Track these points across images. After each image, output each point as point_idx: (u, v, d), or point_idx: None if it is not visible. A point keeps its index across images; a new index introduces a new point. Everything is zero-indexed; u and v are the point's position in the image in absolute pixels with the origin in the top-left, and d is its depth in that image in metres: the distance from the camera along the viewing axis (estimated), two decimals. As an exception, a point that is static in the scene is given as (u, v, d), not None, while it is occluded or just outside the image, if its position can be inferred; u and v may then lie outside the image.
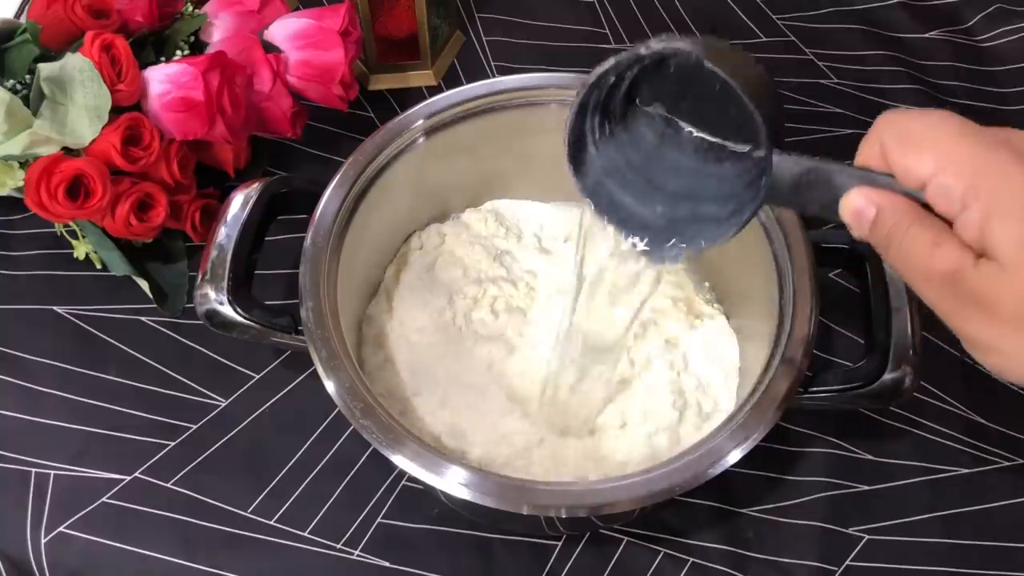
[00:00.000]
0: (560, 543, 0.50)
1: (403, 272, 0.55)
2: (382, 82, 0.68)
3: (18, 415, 0.54)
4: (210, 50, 0.56)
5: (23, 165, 0.52)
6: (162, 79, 0.53)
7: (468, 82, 0.53)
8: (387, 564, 0.49)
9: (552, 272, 0.55)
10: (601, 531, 0.50)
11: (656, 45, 0.32)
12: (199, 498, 0.51)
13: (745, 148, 0.35)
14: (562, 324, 0.47)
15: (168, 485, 0.52)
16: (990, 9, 0.73)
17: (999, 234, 0.28)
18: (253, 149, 0.61)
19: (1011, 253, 0.28)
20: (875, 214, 0.31)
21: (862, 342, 0.45)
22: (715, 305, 0.54)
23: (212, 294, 0.46)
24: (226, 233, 0.47)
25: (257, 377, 0.55)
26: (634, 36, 0.71)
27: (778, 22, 0.71)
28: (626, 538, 0.50)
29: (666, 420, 0.49)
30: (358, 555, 0.50)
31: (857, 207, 0.31)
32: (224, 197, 0.51)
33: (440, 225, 0.57)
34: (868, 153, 0.32)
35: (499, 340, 0.52)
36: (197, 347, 0.56)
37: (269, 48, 0.57)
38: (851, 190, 0.31)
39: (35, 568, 0.49)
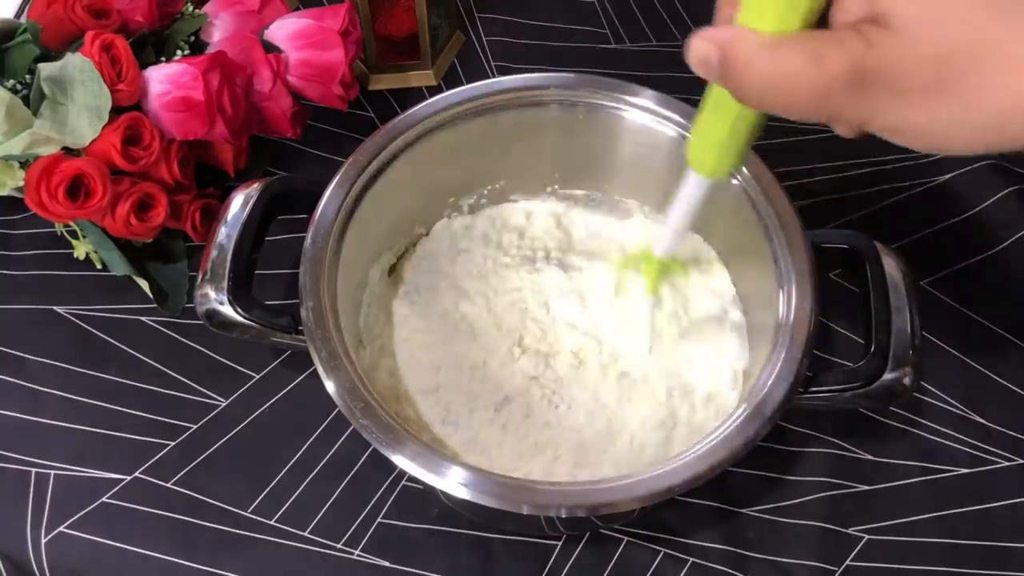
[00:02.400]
0: (560, 543, 0.50)
1: (404, 271, 0.55)
2: (382, 82, 0.68)
3: (18, 415, 0.54)
4: (210, 50, 0.56)
5: (23, 165, 0.52)
6: (162, 79, 0.53)
7: (468, 82, 0.53)
8: (387, 564, 0.49)
9: (552, 272, 0.55)
10: (601, 531, 0.50)
11: None
12: (199, 498, 0.51)
13: None
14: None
15: (168, 485, 0.52)
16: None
17: None
18: (253, 149, 0.61)
19: (903, 10, 0.27)
20: (719, 54, 0.29)
21: (862, 342, 0.45)
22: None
23: (212, 294, 0.46)
24: (226, 233, 0.47)
25: (257, 377, 0.55)
26: (634, 36, 0.71)
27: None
28: (626, 538, 0.50)
29: (666, 420, 0.49)
30: (358, 555, 0.50)
31: (699, 52, 0.30)
32: (224, 197, 0.51)
33: (440, 223, 0.57)
34: None
35: (499, 339, 0.52)
36: (197, 347, 0.56)
37: (269, 48, 0.57)
38: (691, 38, 0.30)
39: (35, 568, 0.49)
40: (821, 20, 0.29)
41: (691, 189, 0.41)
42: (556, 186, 0.57)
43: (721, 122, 0.35)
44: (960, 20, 0.26)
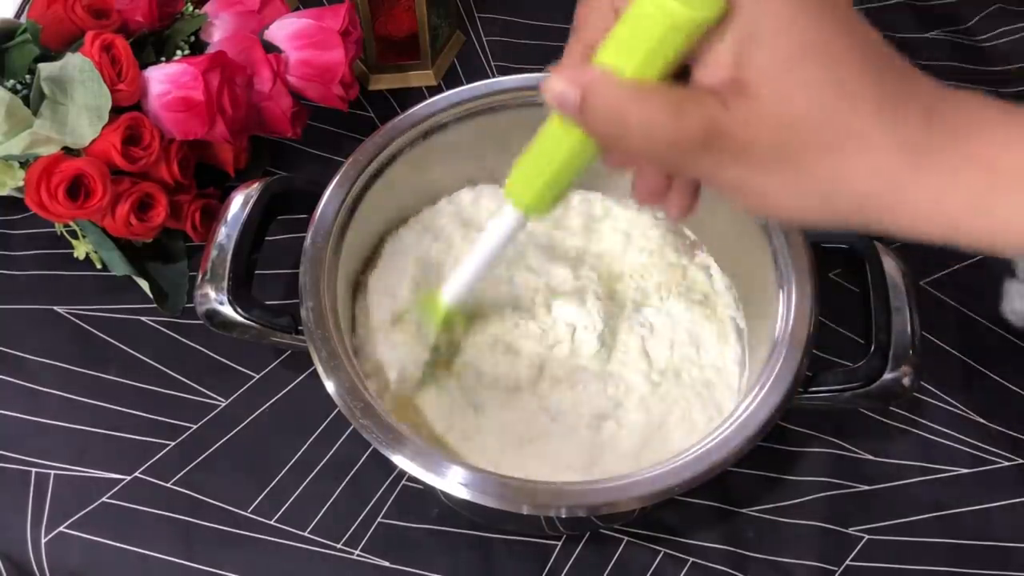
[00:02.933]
0: (560, 543, 0.50)
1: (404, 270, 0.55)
2: (382, 82, 0.68)
3: (18, 415, 0.54)
4: (210, 50, 0.56)
5: (23, 165, 0.52)
6: (162, 79, 0.53)
7: (468, 82, 0.53)
8: (387, 564, 0.49)
9: (552, 269, 0.55)
10: (601, 531, 0.50)
11: None
12: (199, 498, 0.51)
13: None
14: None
15: (168, 485, 0.52)
16: (990, 9, 0.73)
17: (752, 60, 0.27)
18: (253, 149, 0.61)
19: (762, 80, 0.27)
20: (580, 97, 0.29)
21: (862, 342, 0.45)
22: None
23: (212, 294, 0.46)
24: (226, 233, 0.47)
25: (257, 377, 0.55)
26: (634, 36, 0.71)
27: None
28: (626, 538, 0.50)
29: (666, 419, 0.49)
30: (358, 555, 0.50)
31: (557, 90, 0.30)
32: (224, 197, 0.51)
33: (440, 223, 0.57)
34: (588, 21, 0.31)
35: (498, 337, 0.52)
36: (197, 347, 0.56)
37: (269, 48, 0.57)
38: (548, 73, 0.30)
39: (35, 568, 0.49)
40: (683, 77, 0.30)
41: (503, 227, 0.40)
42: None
43: (555, 157, 0.35)
44: (808, 97, 0.27)
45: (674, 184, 0.35)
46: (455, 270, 0.44)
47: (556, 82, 0.30)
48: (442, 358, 0.51)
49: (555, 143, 0.34)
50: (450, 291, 0.45)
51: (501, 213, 0.40)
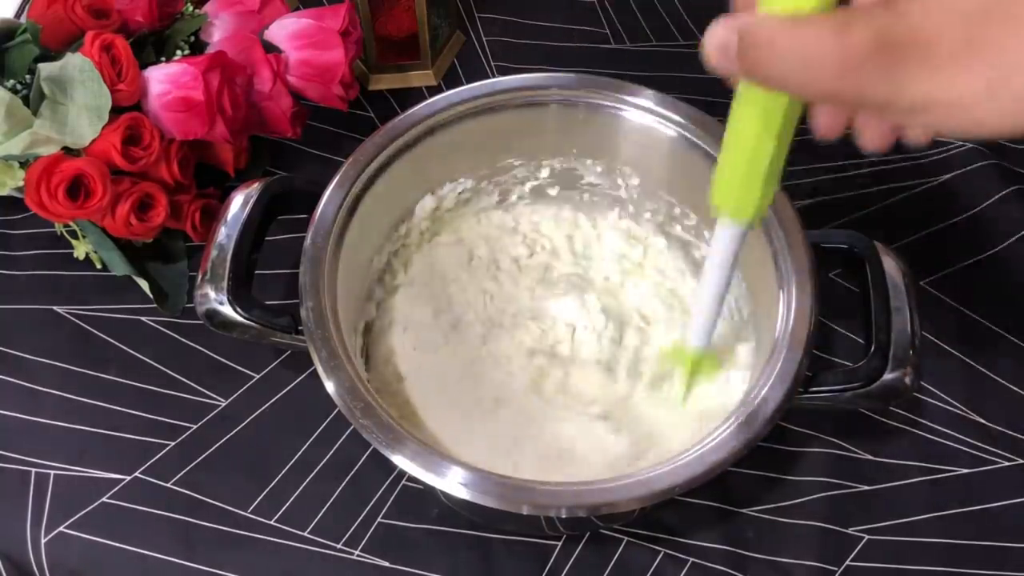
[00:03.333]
0: (560, 543, 0.50)
1: (404, 268, 0.55)
2: (382, 82, 0.68)
3: (18, 415, 0.54)
4: (210, 50, 0.56)
5: (23, 165, 0.52)
6: (162, 79, 0.53)
7: (468, 82, 0.53)
8: (387, 564, 0.49)
9: (554, 265, 0.55)
10: (601, 531, 0.50)
11: None
12: (199, 498, 0.51)
13: None
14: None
15: (168, 485, 0.52)
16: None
17: None
18: (253, 149, 0.61)
19: None
20: (737, 37, 0.28)
21: (862, 342, 0.45)
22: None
23: (212, 294, 0.46)
24: (226, 233, 0.47)
25: (257, 377, 0.55)
26: (634, 36, 0.71)
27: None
28: (626, 538, 0.50)
29: (667, 418, 0.49)
30: (358, 555, 0.50)
31: (717, 39, 0.29)
32: (224, 197, 0.51)
33: (440, 220, 0.57)
34: None
35: (499, 336, 0.52)
36: (197, 347, 0.56)
37: (269, 48, 0.57)
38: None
39: (35, 568, 0.49)
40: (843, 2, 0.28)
41: (722, 243, 0.38)
42: (558, 187, 0.57)
43: (745, 149, 0.33)
44: None
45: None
46: (693, 315, 0.44)
47: (713, 33, 0.29)
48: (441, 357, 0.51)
49: (742, 131, 0.33)
50: (697, 336, 0.45)
51: (719, 232, 0.38)
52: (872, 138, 0.33)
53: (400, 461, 0.40)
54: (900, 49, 0.26)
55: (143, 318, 0.57)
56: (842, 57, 0.26)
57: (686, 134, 0.50)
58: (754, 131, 0.33)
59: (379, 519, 0.51)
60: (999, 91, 0.26)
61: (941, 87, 0.26)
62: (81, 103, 0.51)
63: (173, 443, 0.53)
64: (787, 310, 0.44)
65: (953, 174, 0.63)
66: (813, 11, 0.27)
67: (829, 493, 0.51)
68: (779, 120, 0.32)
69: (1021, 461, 0.52)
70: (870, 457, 0.52)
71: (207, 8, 0.59)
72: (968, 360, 0.55)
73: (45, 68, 0.51)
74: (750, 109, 0.33)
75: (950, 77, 0.26)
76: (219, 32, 0.58)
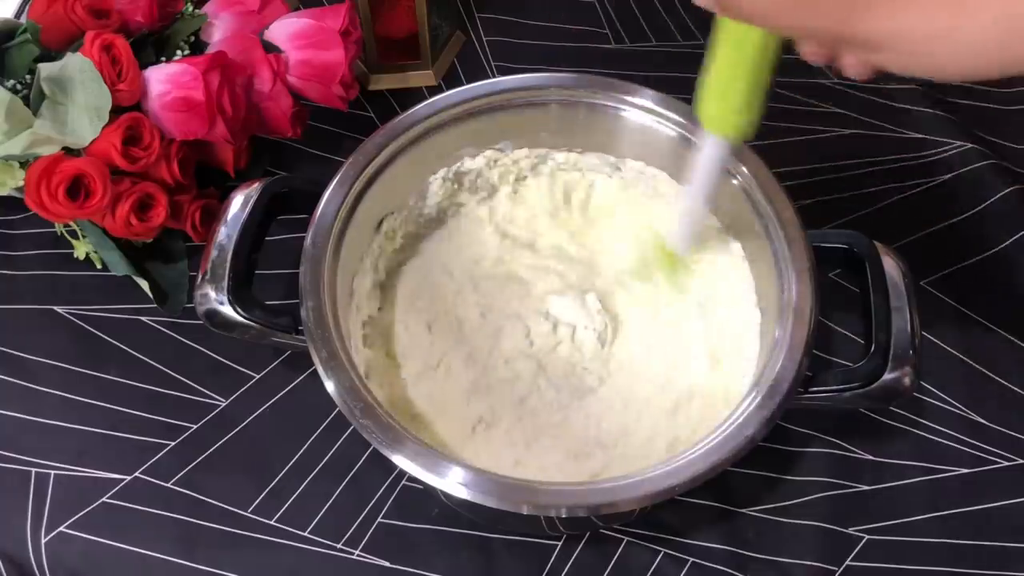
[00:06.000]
0: (560, 543, 0.50)
1: (404, 267, 0.55)
2: (382, 82, 0.68)
3: (18, 415, 0.54)
4: (210, 50, 0.56)
5: (23, 165, 0.52)
6: (162, 79, 0.53)
7: (468, 82, 0.53)
8: (387, 564, 0.49)
9: (553, 265, 0.55)
10: (601, 531, 0.50)
11: None
12: (199, 498, 0.51)
13: None
14: None
15: (168, 485, 0.52)
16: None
17: None
18: (253, 149, 0.61)
19: None
20: None
21: (862, 342, 0.45)
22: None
23: (212, 294, 0.46)
24: (226, 233, 0.47)
25: (257, 377, 0.55)
26: (634, 36, 0.71)
27: (778, 22, 0.71)
28: (626, 538, 0.50)
29: (667, 418, 0.49)
30: (358, 555, 0.50)
31: None
32: (224, 197, 0.51)
33: (439, 220, 0.57)
34: None
35: (499, 336, 0.52)
36: (197, 347, 0.56)
37: (269, 48, 0.57)
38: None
39: (35, 568, 0.49)
40: None
41: (714, 162, 0.40)
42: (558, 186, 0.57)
43: (723, 70, 0.35)
44: None
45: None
46: (678, 221, 0.46)
47: None
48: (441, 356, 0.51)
49: (730, 57, 0.35)
50: (678, 240, 0.47)
51: (704, 147, 0.40)
52: (852, 67, 0.33)
53: (400, 461, 0.40)
54: None
55: (143, 318, 0.57)
56: None
57: (686, 134, 0.50)
58: (730, 57, 0.35)
59: (379, 519, 0.51)
60: (975, 31, 0.26)
61: (904, 19, 0.26)
62: (81, 103, 0.51)
63: (173, 443, 0.53)
64: (787, 311, 0.44)
65: (953, 174, 0.63)
66: None
67: (829, 493, 0.51)
68: (752, 48, 0.34)
69: (1021, 461, 0.52)
70: (870, 457, 0.52)
71: (207, 8, 0.59)
72: (968, 360, 0.55)
73: (45, 68, 0.51)
74: (726, 36, 0.35)
75: (911, 15, 0.26)
76: (219, 32, 0.58)
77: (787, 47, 0.35)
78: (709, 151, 0.40)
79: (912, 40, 0.27)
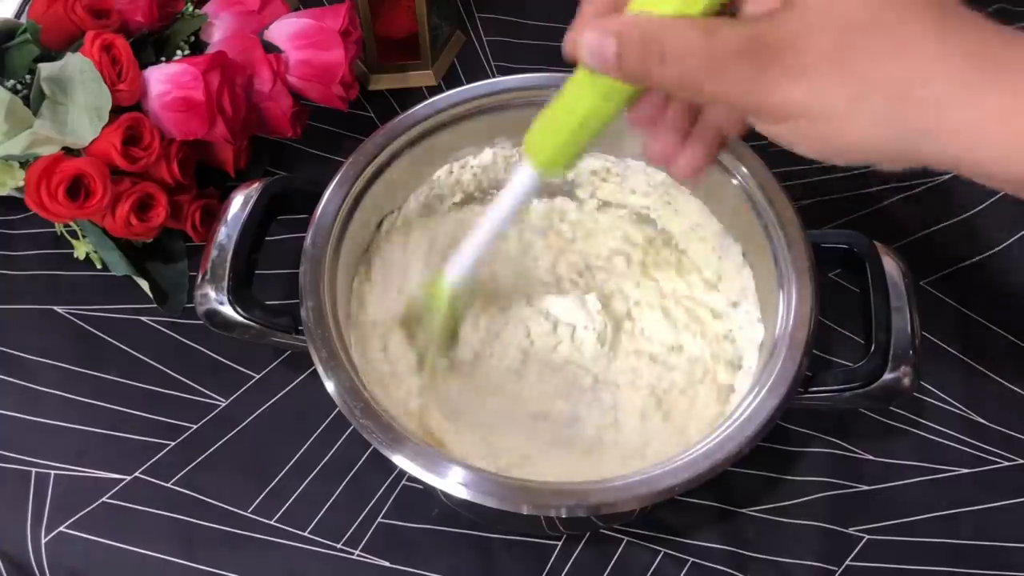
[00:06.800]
0: (560, 543, 0.50)
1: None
2: (382, 82, 0.68)
3: (18, 415, 0.54)
4: (210, 50, 0.56)
5: (23, 165, 0.52)
6: (162, 79, 0.53)
7: (468, 82, 0.53)
8: (387, 564, 0.49)
9: (553, 265, 0.55)
10: (601, 531, 0.50)
11: None
12: (199, 498, 0.51)
13: None
14: None
15: (168, 485, 0.52)
16: (990, 9, 0.73)
17: None
18: (253, 149, 0.61)
19: None
20: (615, 44, 0.29)
21: (862, 342, 0.45)
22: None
23: (212, 294, 0.46)
24: (226, 233, 0.47)
25: (257, 377, 0.55)
26: (634, 36, 0.71)
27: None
28: (626, 538, 0.50)
29: (668, 418, 0.49)
30: (358, 555, 0.50)
31: (591, 44, 0.30)
32: (224, 197, 0.51)
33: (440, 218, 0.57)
34: None
35: (498, 337, 0.52)
36: (197, 347, 0.56)
37: (269, 48, 0.57)
38: (580, 31, 0.30)
39: (35, 568, 0.49)
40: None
41: (517, 187, 0.39)
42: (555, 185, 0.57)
43: (577, 110, 0.34)
44: (862, 5, 0.26)
45: (693, 134, 0.33)
46: (462, 243, 0.43)
47: (590, 34, 0.30)
48: (442, 357, 0.51)
49: (578, 96, 0.34)
50: (457, 266, 0.44)
51: (515, 171, 0.39)
52: (690, 166, 0.34)
53: (400, 461, 0.40)
54: (769, 53, 0.27)
55: (143, 318, 0.57)
56: (710, 51, 0.27)
57: (686, 134, 0.50)
58: (586, 109, 0.34)
59: (379, 519, 0.51)
60: (868, 110, 0.27)
61: (813, 99, 0.27)
62: (81, 103, 0.51)
63: (173, 443, 0.53)
64: (787, 310, 0.44)
65: (953, 174, 0.63)
66: (698, 15, 0.28)
67: (829, 493, 0.51)
68: (612, 106, 0.34)
69: (1021, 461, 0.52)
70: (870, 457, 0.52)
71: (207, 8, 0.59)
72: (968, 360, 0.55)
73: (45, 68, 0.51)
74: (584, 83, 0.34)
75: (818, 86, 0.27)
76: (219, 32, 0.58)
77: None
78: (523, 184, 0.39)
79: (812, 120, 0.27)
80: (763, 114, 0.29)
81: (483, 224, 0.42)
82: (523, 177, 0.39)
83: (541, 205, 0.56)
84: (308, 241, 0.46)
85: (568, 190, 0.56)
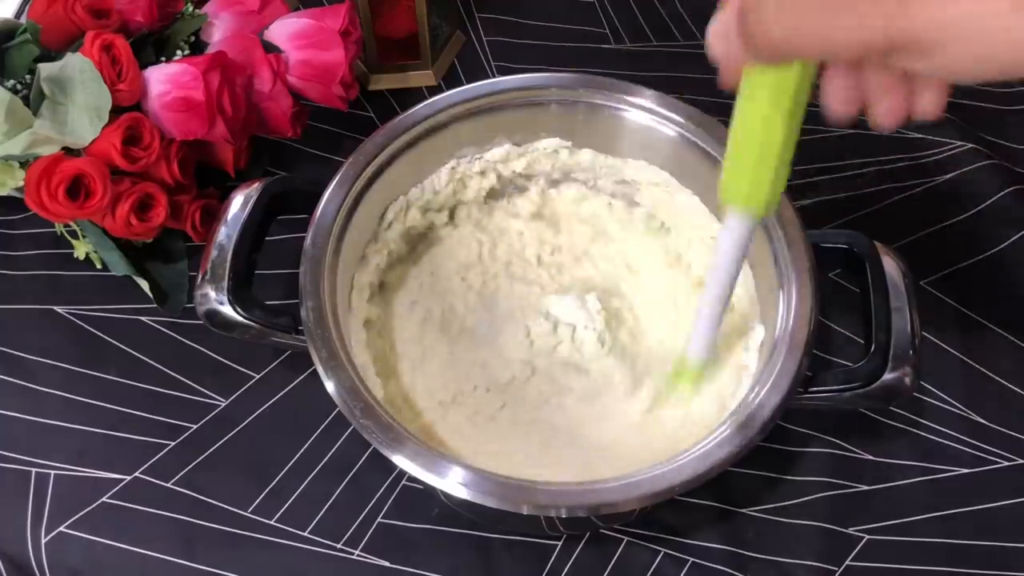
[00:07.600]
0: (560, 543, 0.50)
1: (404, 267, 0.55)
2: (382, 82, 0.68)
3: (18, 415, 0.54)
4: (210, 50, 0.56)
5: (23, 165, 0.52)
6: (162, 79, 0.53)
7: (468, 82, 0.53)
8: (387, 564, 0.49)
9: (552, 265, 0.55)
10: (601, 531, 0.50)
11: None
12: (199, 498, 0.51)
13: None
14: None
15: (168, 485, 0.52)
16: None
17: None
18: (253, 149, 0.61)
19: None
20: (738, 12, 0.28)
21: (862, 342, 0.45)
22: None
23: (212, 294, 0.46)
24: (226, 233, 0.47)
25: (257, 377, 0.55)
26: (634, 36, 0.71)
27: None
28: (626, 538, 0.50)
29: (668, 418, 0.49)
30: (358, 555, 0.50)
31: (719, 25, 0.30)
32: (224, 197, 0.51)
33: (440, 218, 0.57)
34: None
35: (498, 337, 0.52)
36: (197, 347, 0.56)
37: (269, 48, 0.57)
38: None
39: (35, 568, 0.49)
40: None
41: (738, 243, 0.37)
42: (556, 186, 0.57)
43: (755, 133, 0.32)
44: None
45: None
46: (696, 326, 0.43)
47: (713, 27, 0.29)
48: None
49: (755, 112, 0.32)
50: (699, 344, 0.44)
51: (727, 227, 0.37)
52: (885, 112, 0.31)
53: (400, 461, 0.40)
54: None
55: (143, 318, 0.57)
56: None
57: (686, 134, 0.50)
58: (763, 114, 0.32)
59: (379, 519, 0.51)
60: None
61: (959, 7, 0.24)
62: (81, 103, 0.51)
63: (173, 443, 0.53)
64: (787, 310, 0.44)
65: (953, 174, 0.63)
66: None
67: (829, 493, 0.51)
68: (788, 99, 0.31)
69: (1021, 461, 0.52)
70: (870, 457, 0.52)
71: (207, 8, 0.59)
72: (968, 360, 0.55)
73: (45, 68, 0.51)
74: (759, 91, 0.32)
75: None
76: (219, 32, 0.58)
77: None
78: (736, 238, 0.37)
79: (966, 39, 0.24)
80: (908, 44, 0.25)
81: (712, 294, 0.41)
82: (741, 232, 0.37)
83: (537, 198, 0.57)
84: (308, 241, 0.46)
85: (566, 185, 0.57)
